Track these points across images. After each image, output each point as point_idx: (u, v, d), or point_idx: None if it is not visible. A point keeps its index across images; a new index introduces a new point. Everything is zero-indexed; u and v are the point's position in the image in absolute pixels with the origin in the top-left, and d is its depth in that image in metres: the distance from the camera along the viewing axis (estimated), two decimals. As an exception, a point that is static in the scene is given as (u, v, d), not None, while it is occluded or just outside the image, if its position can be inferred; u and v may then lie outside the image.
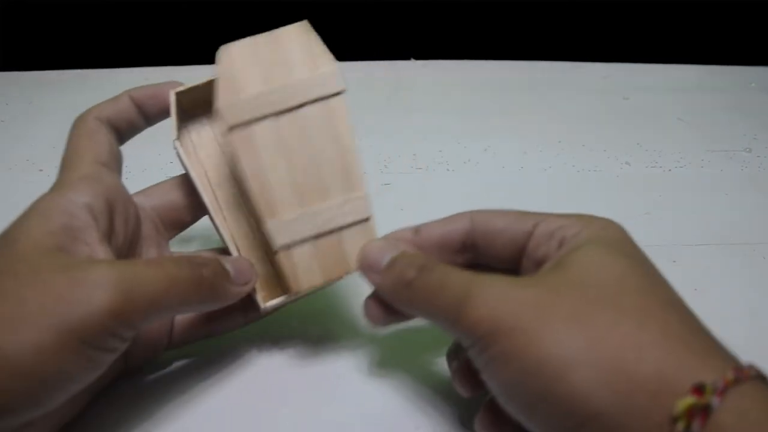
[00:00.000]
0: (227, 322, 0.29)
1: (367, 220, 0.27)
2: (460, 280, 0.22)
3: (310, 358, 0.30)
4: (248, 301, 0.28)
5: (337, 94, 0.27)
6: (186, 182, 0.30)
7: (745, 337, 0.32)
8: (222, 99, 0.26)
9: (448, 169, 0.46)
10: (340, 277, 0.27)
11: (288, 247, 0.26)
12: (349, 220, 0.27)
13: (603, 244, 0.23)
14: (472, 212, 0.27)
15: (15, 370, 0.19)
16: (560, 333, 0.20)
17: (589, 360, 0.19)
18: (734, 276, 0.37)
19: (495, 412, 0.23)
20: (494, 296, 0.21)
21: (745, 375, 0.18)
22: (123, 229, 0.27)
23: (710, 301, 0.34)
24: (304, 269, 0.27)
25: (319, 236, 0.27)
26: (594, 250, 0.22)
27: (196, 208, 0.30)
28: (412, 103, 0.55)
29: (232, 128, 0.26)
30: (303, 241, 0.26)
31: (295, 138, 0.26)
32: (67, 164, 0.27)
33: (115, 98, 0.29)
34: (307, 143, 0.26)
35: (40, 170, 0.45)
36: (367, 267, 0.26)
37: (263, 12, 0.67)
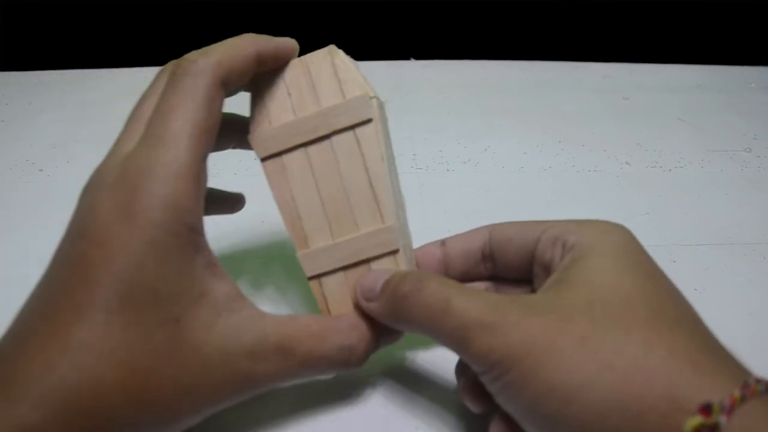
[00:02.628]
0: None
1: (396, 252, 0.27)
2: (467, 304, 0.22)
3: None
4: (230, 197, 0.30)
5: (367, 122, 0.26)
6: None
7: (745, 337, 0.32)
8: (254, 130, 0.26)
9: (448, 169, 0.46)
10: None
11: (319, 276, 0.27)
12: (378, 252, 0.27)
13: (609, 254, 0.23)
14: (492, 225, 0.28)
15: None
16: (570, 359, 0.20)
17: (599, 384, 0.19)
18: (734, 276, 0.37)
19: (510, 421, 0.23)
20: (505, 325, 0.21)
21: (751, 392, 0.18)
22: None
23: (710, 301, 0.34)
24: (335, 299, 0.27)
25: (348, 267, 0.27)
26: (599, 262, 0.22)
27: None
28: (412, 103, 0.55)
29: (263, 160, 0.26)
30: (333, 271, 0.27)
31: (326, 168, 0.26)
32: (168, 131, 0.22)
33: (240, 51, 0.24)
34: (337, 174, 0.26)
35: (40, 170, 0.45)
36: (362, 297, 0.26)
37: (263, 12, 0.67)
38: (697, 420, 0.17)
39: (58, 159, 0.46)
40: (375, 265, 0.27)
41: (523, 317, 0.21)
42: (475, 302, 0.22)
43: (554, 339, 0.20)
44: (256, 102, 0.27)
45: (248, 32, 0.26)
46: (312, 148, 0.26)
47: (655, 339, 0.20)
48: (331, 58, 0.26)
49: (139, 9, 0.70)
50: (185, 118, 0.22)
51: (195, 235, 0.22)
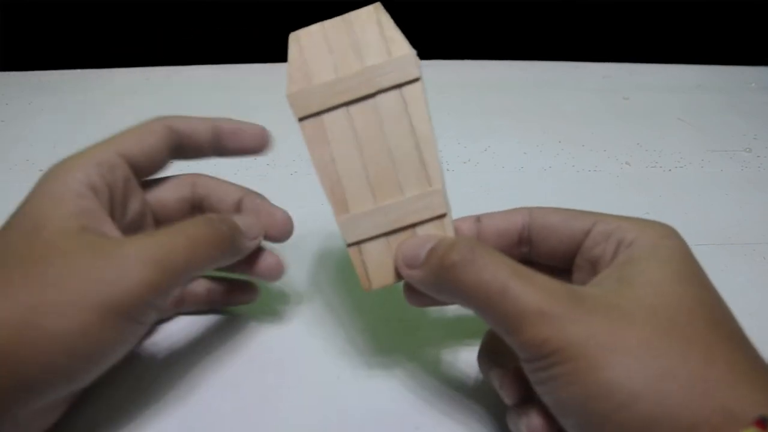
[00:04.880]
0: (230, 298, 0.31)
1: (443, 216, 0.25)
2: (527, 291, 0.21)
3: (310, 359, 0.30)
4: (245, 286, 0.30)
5: (414, 81, 0.25)
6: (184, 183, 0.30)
7: (745, 337, 0.32)
8: (291, 87, 0.25)
9: (448, 169, 0.46)
10: None
11: (359, 243, 0.25)
12: (425, 216, 0.25)
13: (669, 261, 0.22)
14: (531, 207, 0.27)
15: (63, 349, 0.21)
16: (630, 363, 0.19)
17: (657, 392, 0.19)
18: (734, 276, 0.37)
19: (548, 417, 0.23)
20: (567, 317, 0.20)
21: None
22: (122, 215, 0.27)
23: (710, 301, 0.34)
24: (375, 267, 0.26)
25: (391, 233, 0.25)
26: (660, 268, 0.22)
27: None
28: (412, 103, 0.55)
29: (301, 119, 0.25)
30: (375, 237, 0.25)
31: (369, 129, 0.25)
32: (92, 146, 0.26)
33: (200, 120, 0.28)
34: (381, 134, 0.25)
35: (40, 170, 0.45)
36: (406, 265, 0.25)
37: (263, 12, 0.67)
38: (751, 431, 0.18)
39: (58, 159, 0.46)
40: (420, 231, 0.25)
41: (584, 311, 0.21)
42: (534, 288, 0.21)
43: (616, 339, 0.20)
44: (294, 58, 0.25)
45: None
46: (355, 108, 0.25)
47: (714, 352, 0.20)
48: (376, 16, 0.25)
49: (139, 9, 0.70)
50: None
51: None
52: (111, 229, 0.24)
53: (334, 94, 0.25)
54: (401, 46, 0.25)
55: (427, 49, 0.68)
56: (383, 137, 0.25)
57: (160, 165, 0.28)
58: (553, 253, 0.26)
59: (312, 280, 0.35)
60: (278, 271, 0.30)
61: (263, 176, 0.44)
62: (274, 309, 0.33)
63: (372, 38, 0.25)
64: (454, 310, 0.33)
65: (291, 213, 0.30)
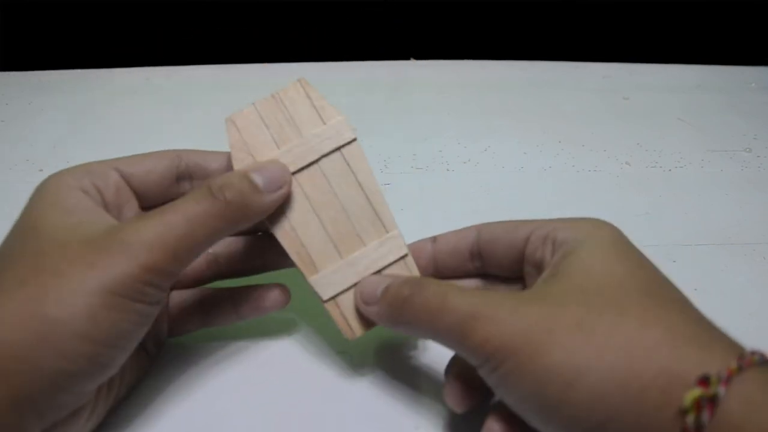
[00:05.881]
0: (221, 319, 0.29)
1: (405, 256, 0.28)
2: (462, 300, 0.23)
3: (310, 359, 0.30)
4: (240, 298, 0.29)
5: (352, 141, 0.27)
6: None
7: (746, 337, 0.32)
8: (237, 168, 0.26)
9: (448, 169, 0.46)
10: None
11: (335, 297, 0.27)
12: (390, 259, 0.27)
13: (599, 246, 0.23)
14: (480, 224, 0.28)
15: (74, 334, 0.21)
16: (568, 343, 0.20)
17: (598, 366, 0.19)
18: (734, 276, 0.37)
19: (506, 419, 0.23)
20: (501, 315, 0.21)
21: (747, 362, 0.18)
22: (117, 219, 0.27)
23: (710, 301, 0.34)
24: (355, 316, 0.27)
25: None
26: (590, 253, 0.23)
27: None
28: (412, 103, 0.55)
29: None
30: (348, 289, 0.27)
31: (320, 192, 0.27)
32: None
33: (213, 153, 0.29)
34: (332, 195, 0.27)
35: (40, 170, 0.45)
36: (363, 302, 0.26)
37: (263, 12, 0.67)
38: (696, 392, 0.18)
39: (58, 159, 0.46)
40: (388, 272, 0.27)
41: (519, 307, 0.22)
42: (470, 297, 0.23)
43: (550, 325, 0.21)
44: (235, 141, 0.27)
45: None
46: (302, 176, 0.27)
47: (650, 317, 0.20)
48: (303, 90, 0.27)
49: (139, 9, 0.70)
50: None
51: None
52: (107, 219, 0.24)
53: (283, 159, 0.27)
54: (332, 113, 0.27)
55: (427, 49, 0.68)
56: (335, 197, 0.27)
57: (163, 186, 0.28)
58: (501, 263, 0.27)
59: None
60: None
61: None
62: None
63: (304, 110, 0.27)
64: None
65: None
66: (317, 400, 0.28)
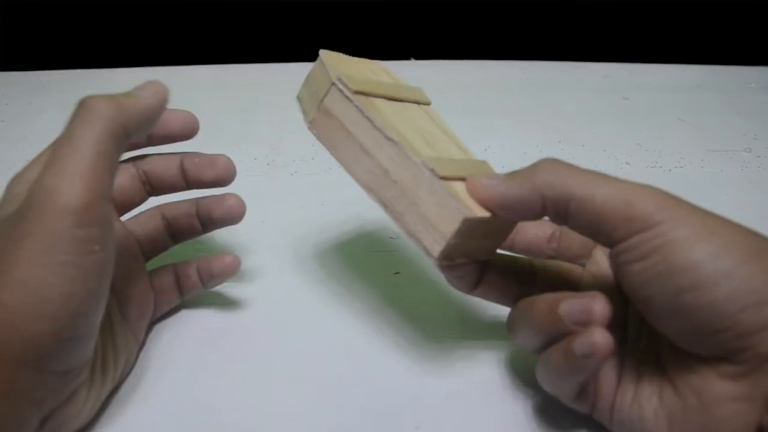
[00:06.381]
0: (191, 290, 0.31)
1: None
2: (619, 181, 0.24)
3: (310, 359, 0.30)
4: (205, 266, 0.30)
5: (428, 103, 0.30)
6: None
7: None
8: (338, 69, 0.26)
9: (448, 169, 0.46)
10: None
11: (447, 179, 0.25)
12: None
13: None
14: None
15: (30, 316, 0.20)
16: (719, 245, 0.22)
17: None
18: (734, 276, 0.37)
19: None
20: (660, 196, 0.23)
21: None
22: None
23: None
24: (469, 198, 0.25)
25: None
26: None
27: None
28: (412, 103, 0.55)
29: (356, 92, 0.26)
30: (458, 179, 0.25)
31: (409, 115, 0.27)
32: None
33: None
34: (418, 123, 0.28)
35: (40, 170, 0.45)
36: (486, 179, 0.25)
37: (263, 12, 0.67)
38: None
39: (58, 159, 0.46)
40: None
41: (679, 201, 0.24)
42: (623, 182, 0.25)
43: (705, 223, 0.23)
44: (331, 58, 0.27)
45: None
46: (393, 103, 0.27)
47: None
48: (376, 66, 0.30)
49: (139, 9, 0.70)
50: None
51: None
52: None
53: (376, 87, 0.27)
54: (409, 85, 0.30)
55: (427, 49, 0.68)
56: (421, 125, 0.28)
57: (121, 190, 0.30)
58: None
59: (313, 280, 0.35)
60: (238, 212, 0.31)
61: (263, 176, 0.44)
62: (274, 310, 0.33)
63: (383, 76, 0.30)
64: (455, 311, 0.33)
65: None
66: (317, 400, 0.28)
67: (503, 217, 0.25)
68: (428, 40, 0.68)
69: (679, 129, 0.53)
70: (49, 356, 0.21)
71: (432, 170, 0.24)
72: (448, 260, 0.26)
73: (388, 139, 0.25)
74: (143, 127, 0.26)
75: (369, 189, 0.26)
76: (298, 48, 0.64)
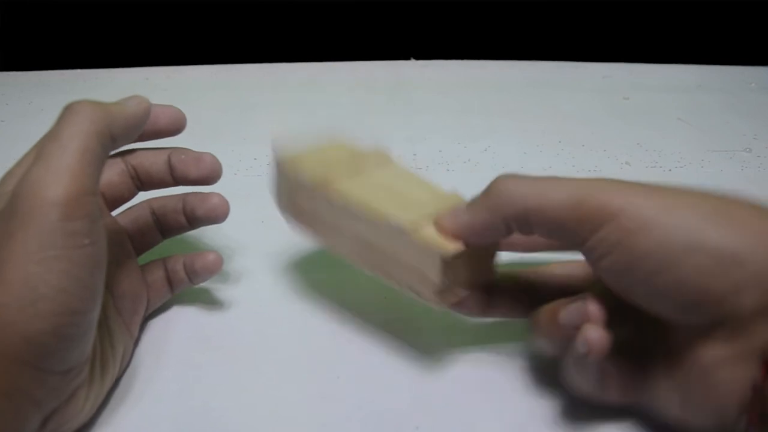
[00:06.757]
0: (180, 285, 0.31)
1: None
2: (570, 182, 0.24)
3: (310, 359, 0.30)
4: (190, 262, 0.30)
5: (388, 157, 0.31)
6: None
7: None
8: (295, 173, 0.29)
9: (448, 169, 0.46)
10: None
11: (415, 222, 0.26)
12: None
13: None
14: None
15: (27, 315, 0.20)
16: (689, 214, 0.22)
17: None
18: (734, 276, 0.37)
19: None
20: (611, 188, 0.23)
21: None
22: None
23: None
24: (440, 236, 0.26)
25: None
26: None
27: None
28: (412, 103, 0.55)
29: (317, 187, 0.28)
30: (425, 218, 0.27)
31: (371, 183, 0.29)
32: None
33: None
34: (382, 183, 0.29)
35: (40, 170, 0.45)
36: (452, 214, 0.26)
37: (263, 12, 0.67)
38: None
39: (58, 159, 0.46)
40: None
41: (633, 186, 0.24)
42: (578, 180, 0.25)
43: (670, 201, 0.23)
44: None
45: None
46: (354, 177, 0.29)
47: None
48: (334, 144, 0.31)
49: (139, 9, 0.70)
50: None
51: None
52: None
53: (333, 168, 0.29)
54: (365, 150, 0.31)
55: (427, 49, 0.68)
56: (385, 184, 0.29)
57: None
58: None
59: (312, 281, 0.35)
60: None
61: (263, 176, 0.44)
62: (273, 310, 0.33)
63: (341, 152, 0.31)
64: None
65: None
66: (317, 400, 0.28)
67: (476, 244, 0.26)
68: (428, 40, 0.68)
69: (679, 129, 0.53)
70: (49, 355, 0.21)
71: (399, 227, 0.26)
72: (453, 296, 0.27)
73: (357, 215, 0.27)
74: (127, 134, 0.26)
75: (357, 262, 0.28)
76: (298, 48, 0.64)
